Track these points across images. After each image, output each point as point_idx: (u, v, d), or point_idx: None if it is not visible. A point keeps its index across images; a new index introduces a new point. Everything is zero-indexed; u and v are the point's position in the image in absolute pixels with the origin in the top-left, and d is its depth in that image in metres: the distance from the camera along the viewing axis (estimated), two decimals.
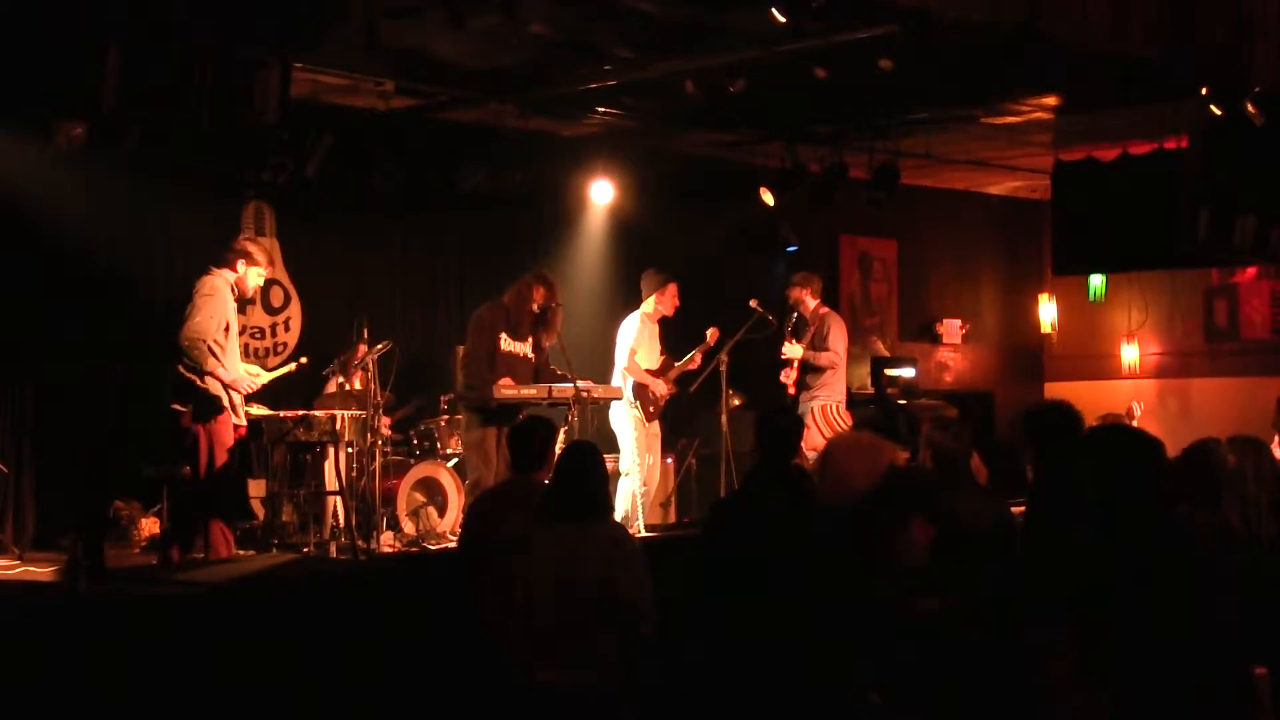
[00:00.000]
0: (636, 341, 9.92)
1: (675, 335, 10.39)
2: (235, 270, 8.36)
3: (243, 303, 8.59)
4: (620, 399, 9.71)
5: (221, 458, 8.12)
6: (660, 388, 9.95)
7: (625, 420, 9.81)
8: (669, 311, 10.12)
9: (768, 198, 11.46)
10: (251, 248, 8.55)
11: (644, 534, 9.33)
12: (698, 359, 10.19)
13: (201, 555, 8.09)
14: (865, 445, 4.86)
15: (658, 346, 10.11)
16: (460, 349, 9.14)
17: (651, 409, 9.91)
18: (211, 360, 8.03)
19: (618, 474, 9.63)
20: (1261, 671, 4.53)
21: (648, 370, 9.94)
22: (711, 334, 10.17)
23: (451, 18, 7.53)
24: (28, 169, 8.96)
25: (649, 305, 10.09)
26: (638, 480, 9.71)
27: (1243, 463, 6.21)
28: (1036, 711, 4.73)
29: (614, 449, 9.73)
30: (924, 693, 4.76)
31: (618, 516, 9.37)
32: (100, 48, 6.81)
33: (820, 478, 4.81)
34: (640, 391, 9.85)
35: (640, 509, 9.65)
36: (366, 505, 8.81)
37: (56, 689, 6.17)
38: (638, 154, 11.70)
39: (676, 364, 10.13)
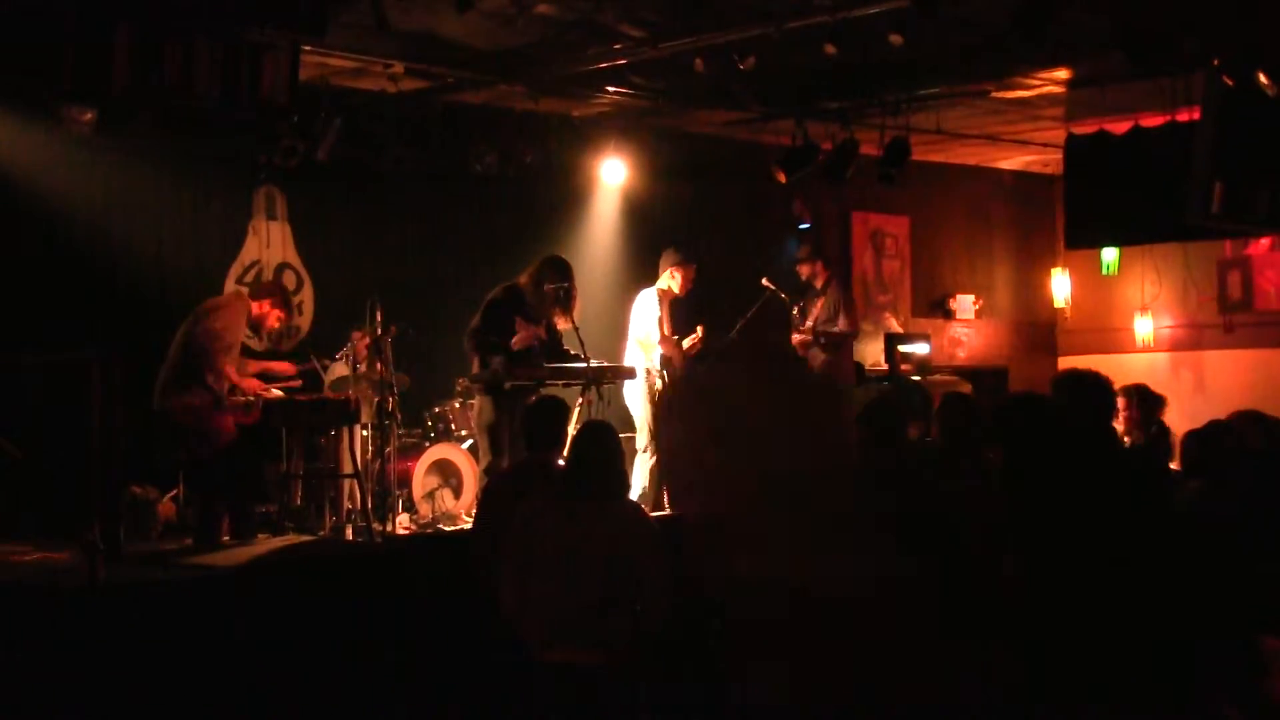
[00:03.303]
0: (662, 318, 9.92)
1: (683, 312, 10.38)
2: (260, 307, 8.49)
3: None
4: (634, 378, 9.70)
5: (228, 442, 8.19)
6: (679, 356, 10.00)
7: (641, 397, 9.81)
8: (680, 292, 10.11)
9: (780, 176, 11.46)
10: (282, 298, 8.72)
11: (669, 511, 9.36)
12: (697, 345, 10.22)
13: (227, 538, 8.16)
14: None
15: (668, 325, 10.13)
16: (473, 322, 9.13)
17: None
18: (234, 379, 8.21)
19: (633, 453, 9.63)
20: (1275, 644, 4.53)
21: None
22: (700, 330, 10.20)
23: None
24: (36, 154, 8.99)
25: (664, 281, 10.07)
26: (650, 458, 9.72)
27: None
28: None
29: (628, 428, 9.74)
30: None
31: (638, 494, 9.42)
32: (110, 32, 6.82)
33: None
34: (666, 363, 9.88)
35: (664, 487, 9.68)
36: (382, 488, 8.82)
37: (75, 675, 6.20)
38: (648, 133, 11.68)
39: (684, 344, 10.15)
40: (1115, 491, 4.79)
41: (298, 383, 8.97)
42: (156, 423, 8.33)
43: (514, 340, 8.74)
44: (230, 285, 10.10)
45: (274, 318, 8.67)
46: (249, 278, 10.17)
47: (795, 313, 10.80)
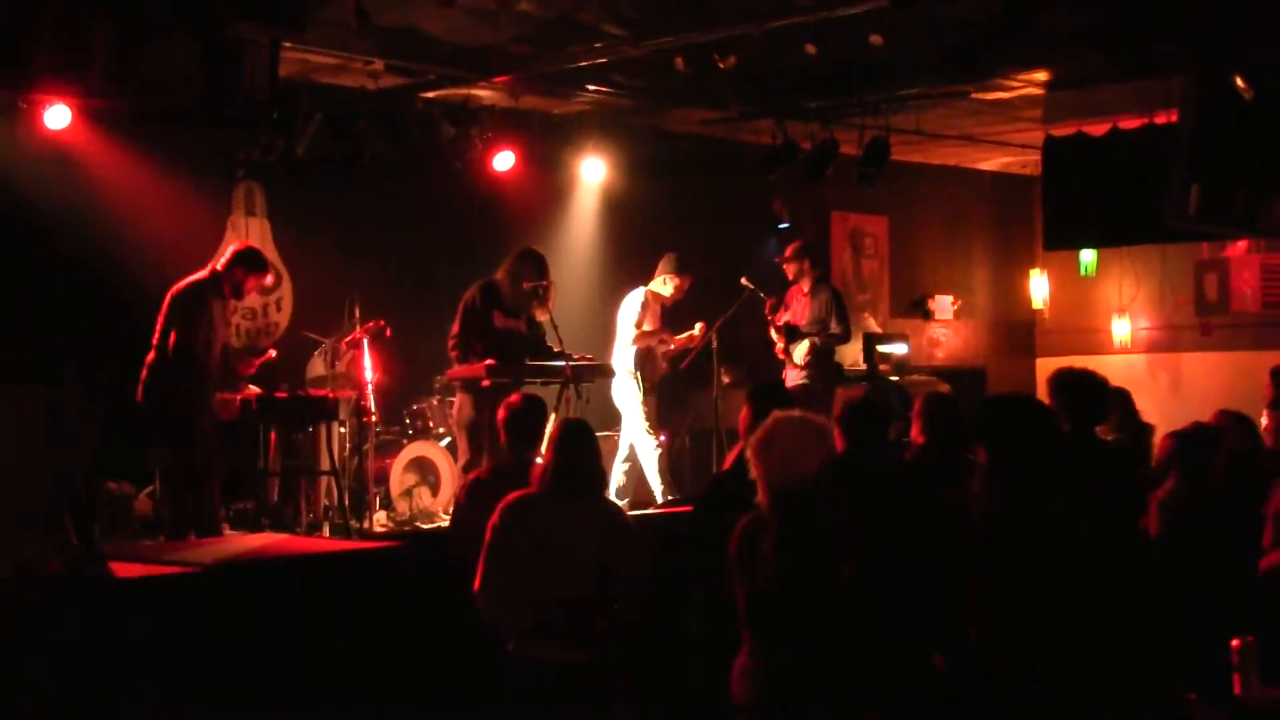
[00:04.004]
0: (640, 318, 9.97)
1: (665, 313, 10.42)
2: (233, 276, 8.37)
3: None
4: (613, 375, 9.73)
5: (207, 439, 8.14)
6: (664, 344, 10.09)
7: (631, 394, 9.85)
8: (671, 300, 10.17)
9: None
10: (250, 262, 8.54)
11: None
12: (693, 340, 10.25)
13: (195, 535, 8.11)
14: (817, 427, 4.84)
15: (658, 325, 10.16)
16: (452, 328, 9.13)
17: (649, 383, 9.95)
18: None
19: (611, 451, 9.66)
20: (1250, 642, 4.55)
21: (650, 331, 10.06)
22: (700, 328, 10.23)
23: None
24: (12, 148, 8.94)
25: (658, 284, 10.11)
26: (654, 451, 9.78)
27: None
28: None
29: (609, 425, 9.77)
30: None
31: (655, 490, 9.47)
32: (89, 26, 6.78)
33: (765, 456, 4.75)
34: (643, 362, 9.90)
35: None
36: (359, 485, 8.81)
37: (52, 673, 6.17)
38: (628, 131, 11.68)
39: (676, 339, 10.20)
40: (1092, 492, 4.81)
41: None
42: (136, 418, 8.29)
43: (483, 383, 8.74)
44: None
45: (251, 283, 8.54)
46: None
47: (767, 308, 10.70)
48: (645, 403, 9.93)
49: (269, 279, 9.04)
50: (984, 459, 4.94)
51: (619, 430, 10.27)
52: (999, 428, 4.90)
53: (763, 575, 4.64)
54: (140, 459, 8.65)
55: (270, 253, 10.43)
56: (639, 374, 9.90)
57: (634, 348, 9.94)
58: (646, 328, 10.07)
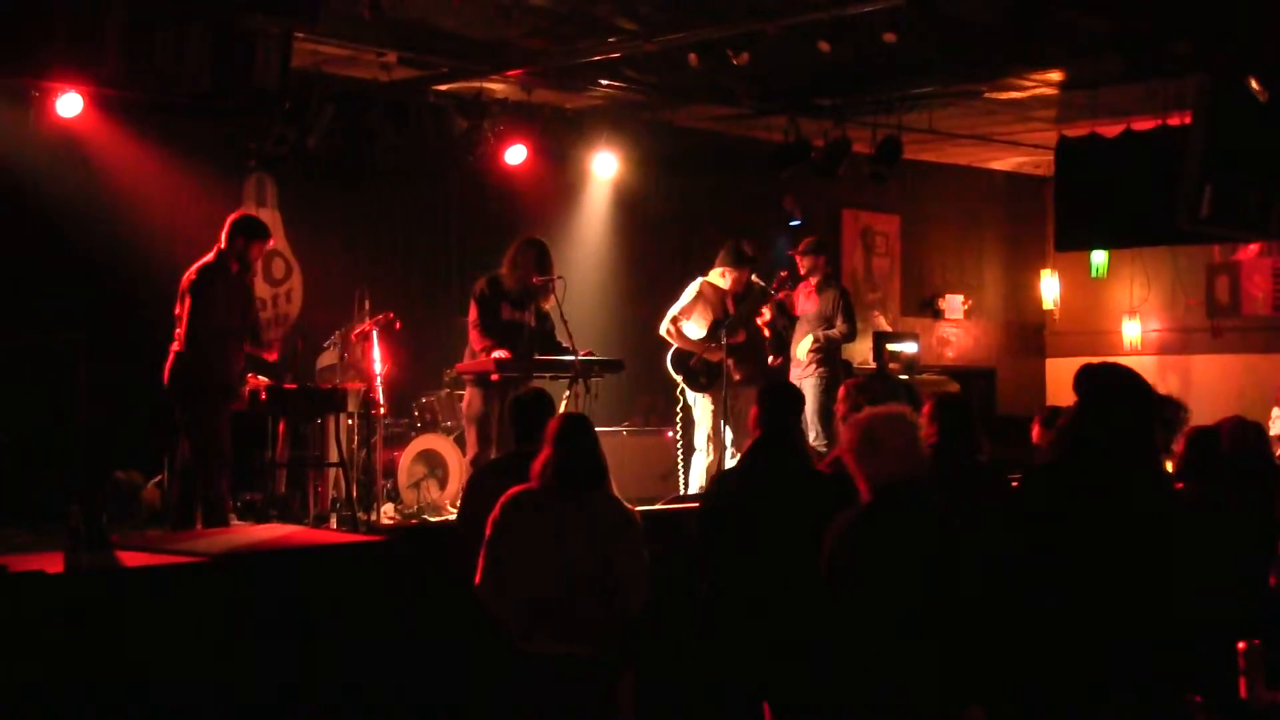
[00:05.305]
0: (685, 310, 9.84)
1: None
2: (234, 247, 8.29)
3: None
4: (620, 370, 9.69)
5: (216, 428, 8.13)
6: (703, 353, 9.84)
7: (687, 393, 9.82)
8: (727, 294, 9.99)
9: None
10: (257, 231, 8.46)
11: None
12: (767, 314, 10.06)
13: (201, 523, 8.12)
14: (910, 421, 4.86)
15: (706, 319, 10.00)
16: (464, 321, 9.11)
17: (702, 379, 9.81)
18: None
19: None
20: (1254, 646, 4.54)
21: (696, 339, 9.88)
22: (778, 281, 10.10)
23: None
24: (24, 138, 8.95)
25: (715, 276, 9.97)
26: (706, 456, 9.71)
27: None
28: None
29: (616, 420, 9.75)
30: None
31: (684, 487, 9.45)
32: (101, 16, 6.79)
33: (866, 452, 4.76)
34: (678, 362, 9.80)
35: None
36: (367, 477, 8.81)
37: (55, 662, 6.18)
38: (641, 127, 11.68)
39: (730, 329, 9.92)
40: (1111, 490, 4.79)
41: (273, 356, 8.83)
42: (149, 406, 8.29)
43: (492, 377, 8.73)
44: None
45: (255, 250, 8.37)
46: None
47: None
48: (707, 402, 9.81)
49: (271, 242, 8.92)
50: (1076, 406, 4.90)
51: (626, 426, 10.25)
52: (1108, 392, 4.85)
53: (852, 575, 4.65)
54: (151, 447, 8.66)
55: (281, 244, 10.45)
56: (680, 376, 9.80)
57: (673, 345, 9.81)
58: (693, 323, 9.89)
